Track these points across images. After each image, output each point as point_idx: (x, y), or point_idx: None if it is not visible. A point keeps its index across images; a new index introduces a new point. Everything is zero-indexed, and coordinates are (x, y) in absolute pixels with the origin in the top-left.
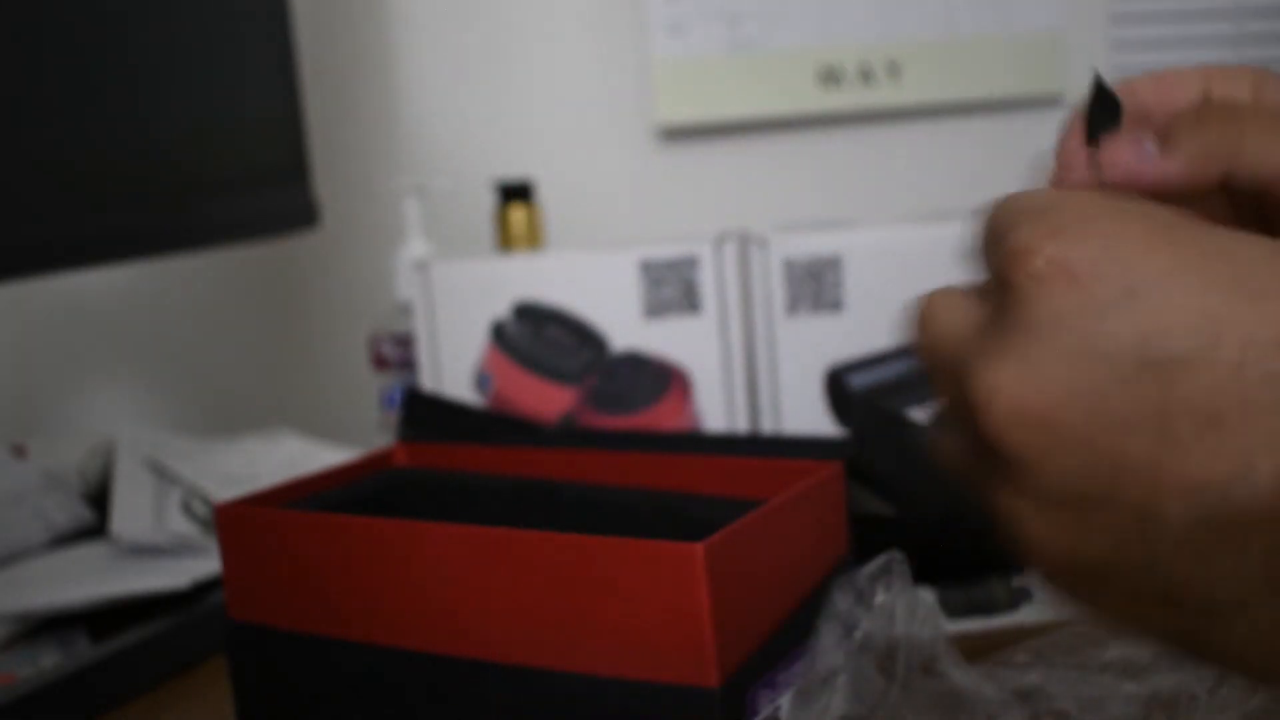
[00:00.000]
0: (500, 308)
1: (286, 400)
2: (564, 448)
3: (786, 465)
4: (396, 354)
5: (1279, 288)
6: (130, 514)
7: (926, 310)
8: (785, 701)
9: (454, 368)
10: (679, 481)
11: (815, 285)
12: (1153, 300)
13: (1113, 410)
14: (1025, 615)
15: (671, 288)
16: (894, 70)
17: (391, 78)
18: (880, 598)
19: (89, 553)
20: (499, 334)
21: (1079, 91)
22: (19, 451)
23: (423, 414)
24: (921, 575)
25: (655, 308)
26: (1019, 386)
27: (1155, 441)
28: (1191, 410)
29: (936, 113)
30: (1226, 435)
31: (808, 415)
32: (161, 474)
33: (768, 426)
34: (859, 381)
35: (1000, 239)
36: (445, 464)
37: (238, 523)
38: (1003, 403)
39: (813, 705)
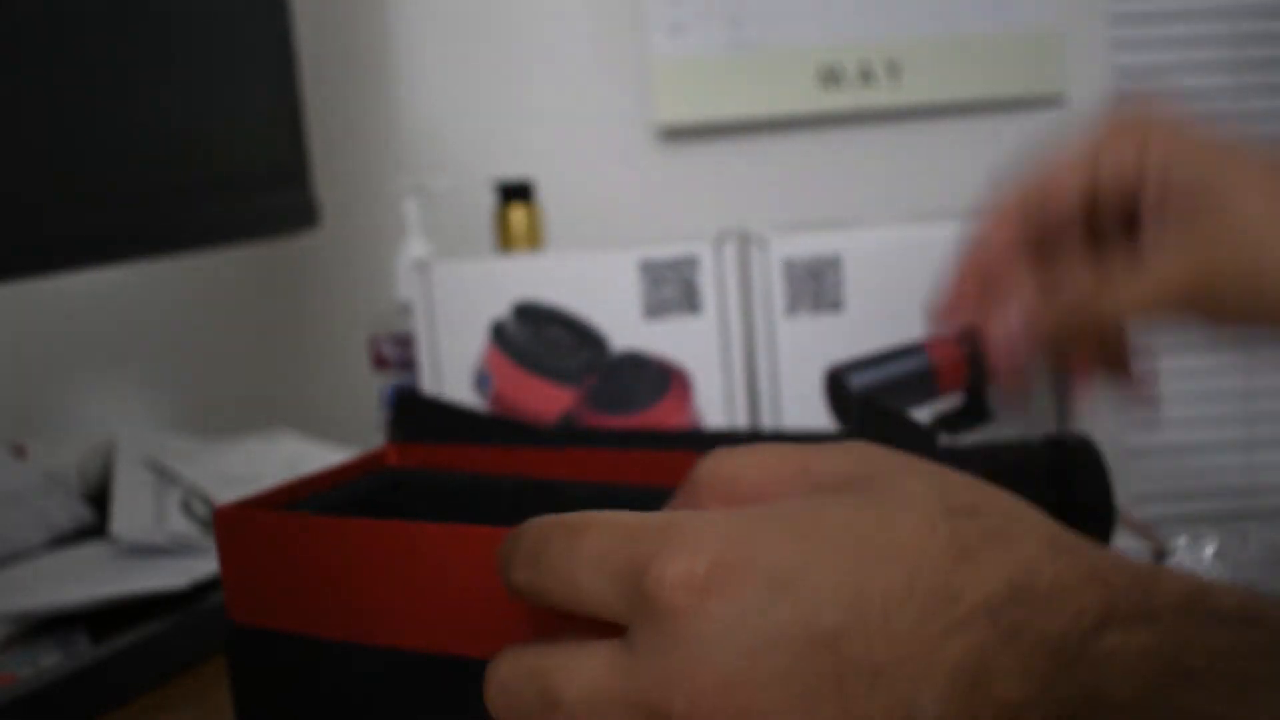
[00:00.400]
0: (500, 308)
1: (286, 400)
2: (559, 447)
3: None
4: (396, 354)
5: (896, 551)
6: (130, 514)
7: (549, 681)
8: None
9: (454, 368)
10: (678, 478)
11: (815, 285)
12: (801, 588)
13: (796, 687)
14: None
15: (671, 288)
16: (894, 70)
17: (391, 78)
18: None
19: (89, 553)
20: (499, 334)
21: (1079, 91)
22: (19, 451)
23: (413, 414)
24: None
25: (655, 308)
26: (705, 692)
27: (837, 704)
28: (858, 669)
29: (936, 113)
30: (889, 681)
31: (808, 415)
32: (161, 474)
33: (768, 426)
34: (859, 381)
35: (628, 569)
36: (438, 464)
37: (236, 525)
38: (689, 701)
39: None
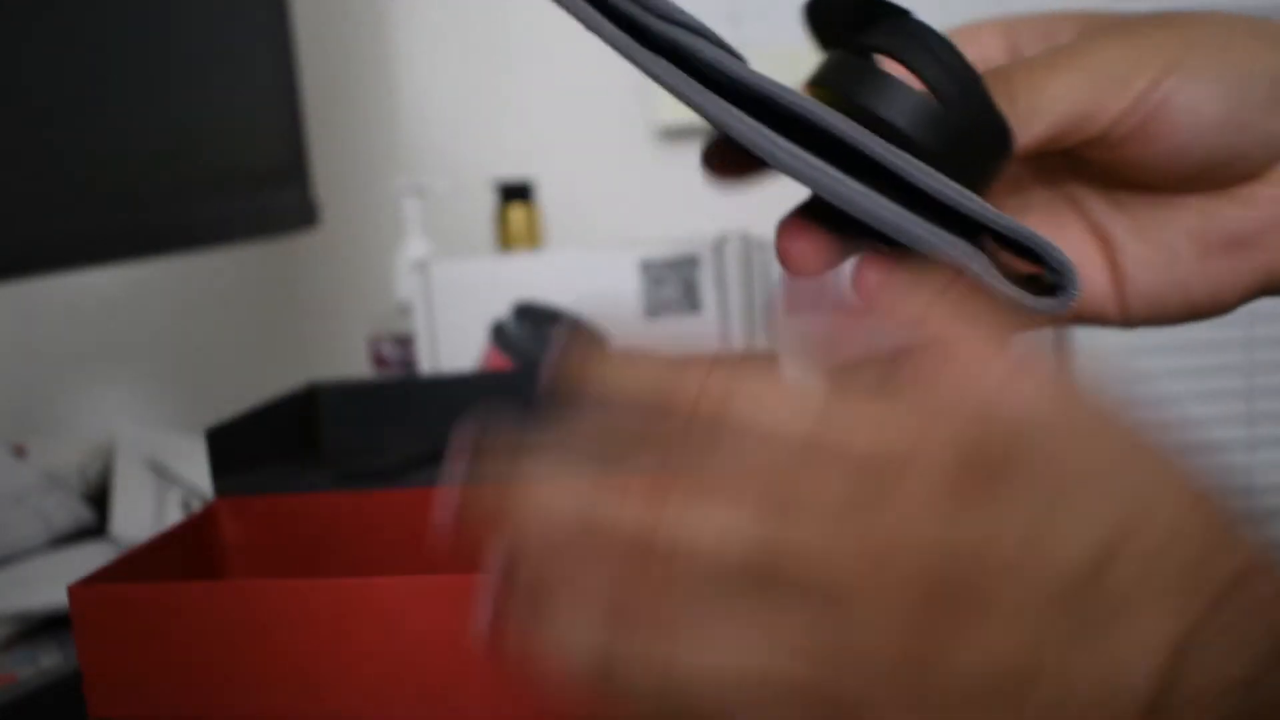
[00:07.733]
0: (500, 308)
1: None
2: (398, 486)
3: None
4: (396, 354)
5: (1160, 511)
6: (130, 514)
7: None
8: None
9: (454, 368)
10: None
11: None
12: (1080, 501)
13: (1051, 585)
14: None
15: (671, 288)
16: None
17: (391, 78)
18: None
19: (89, 553)
20: (499, 334)
21: None
22: (19, 451)
23: (230, 462)
24: None
25: (655, 308)
26: (1004, 544)
27: (1070, 614)
28: (1107, 594)
29: None
30: (1130, 617)
31: None
32: (161, 474)
33: None
34: None
35: (977, 422)
36: (272, 518)
37: (99, 607)
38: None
39: None
